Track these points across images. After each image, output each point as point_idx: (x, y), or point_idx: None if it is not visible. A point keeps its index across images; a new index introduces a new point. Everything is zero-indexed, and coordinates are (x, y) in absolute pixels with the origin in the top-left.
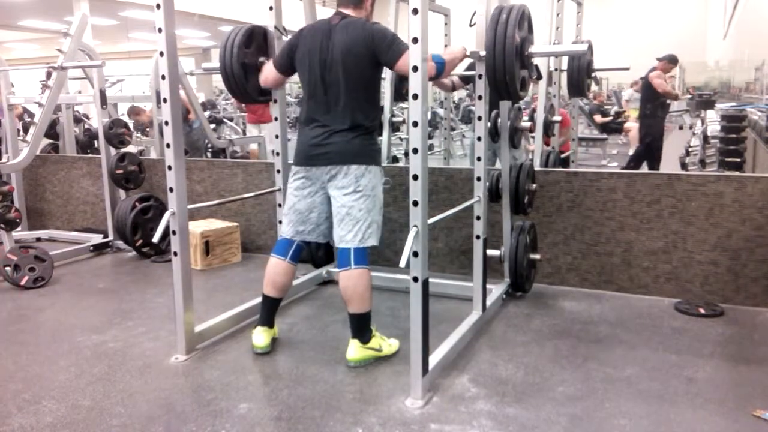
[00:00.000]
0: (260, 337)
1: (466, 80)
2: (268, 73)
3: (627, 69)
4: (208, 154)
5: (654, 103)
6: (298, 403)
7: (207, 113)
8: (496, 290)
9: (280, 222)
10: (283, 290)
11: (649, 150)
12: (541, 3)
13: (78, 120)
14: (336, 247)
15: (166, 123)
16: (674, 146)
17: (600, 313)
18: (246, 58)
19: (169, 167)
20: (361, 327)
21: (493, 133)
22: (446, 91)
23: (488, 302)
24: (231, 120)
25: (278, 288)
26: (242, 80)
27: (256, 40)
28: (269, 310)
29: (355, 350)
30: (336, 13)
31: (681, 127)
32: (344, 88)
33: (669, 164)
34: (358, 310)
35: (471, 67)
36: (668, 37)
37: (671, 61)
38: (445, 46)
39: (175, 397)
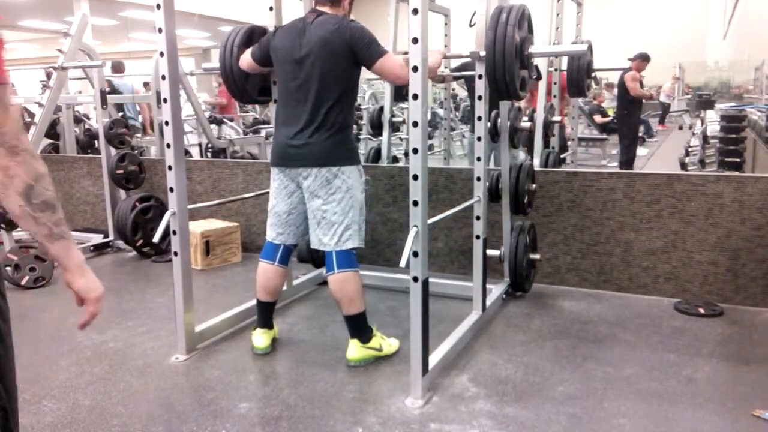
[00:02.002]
0: (260, 338)
1: (456, 77)
2: (245, 57)
3: (627, 69)
4: (209, 155)
5: (630, 102)
6: (298, 402)
7: (207, 114)
8: (496, 290)
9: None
10: (275, 294)
11: (630, 146)
12: (541, 3)
13: (78, 120)
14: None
15: (167, 123)
16: (674, 146)
17: (599, 312)
18: None
19: (170, 167)
20: (358, 327)
21: (493, 133)
22: (437, 82)
23: (488, 302)
24: (231, 120)
25: (270, 292)
26: (242, 81)
27: (255, 40)
28: (265, 314)
29: (355, 350)
30: (311, 10)
31: (681, 127)
32: (318, 86)
33: (669, 164)
34: (350, 311)
35: (464, 67)
36: (668, 37)
37: (644, 59)
38: (445, 46)
39: (176, 396)
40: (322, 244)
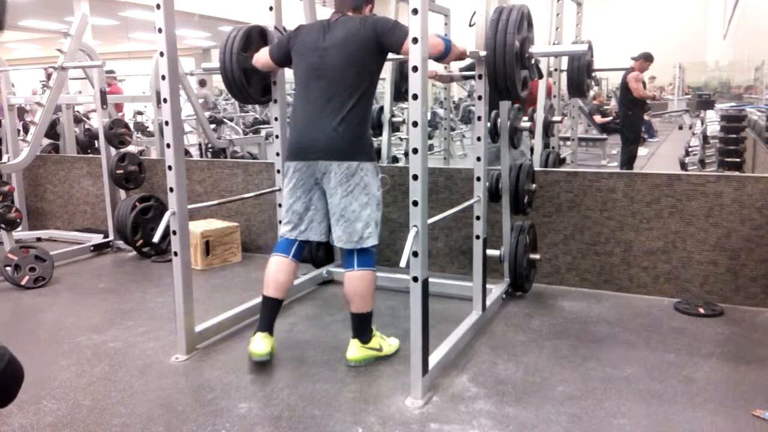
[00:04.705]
0: (260, 343)
1: (465, 76)
2: (261, 56)
3: (629, 70)
4: (209, 155)
5: (633, 102)
6: (299, 402)
7: (207, 113)
8: (496, 290)
9: (281, 222)
10: (284, 290)
11: (632, 146)
12: (541, 3)
13: (78, 120)
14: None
15: (166, 123)
16: (674, 146)
17: (599, 312)
18: (246, 62)
19: (170, 167)
20: (362, 327)
21: (493, 134)
22: (443, 83)
23: (488, 302)
24: (231, 120)
25: (280, 287)
26: (243, 82)
27: (254, 41)
28: (271, 313)
29: (355, 350)
30: (334, 12)
31: (681, 127)
32: (341, 80)
33: (669, 164)
34: (359, 309)
35: (471, 68)
36: (668, 37)
37: (647, 59)
38: None
39: (176, 396)
40: (341, 241)
